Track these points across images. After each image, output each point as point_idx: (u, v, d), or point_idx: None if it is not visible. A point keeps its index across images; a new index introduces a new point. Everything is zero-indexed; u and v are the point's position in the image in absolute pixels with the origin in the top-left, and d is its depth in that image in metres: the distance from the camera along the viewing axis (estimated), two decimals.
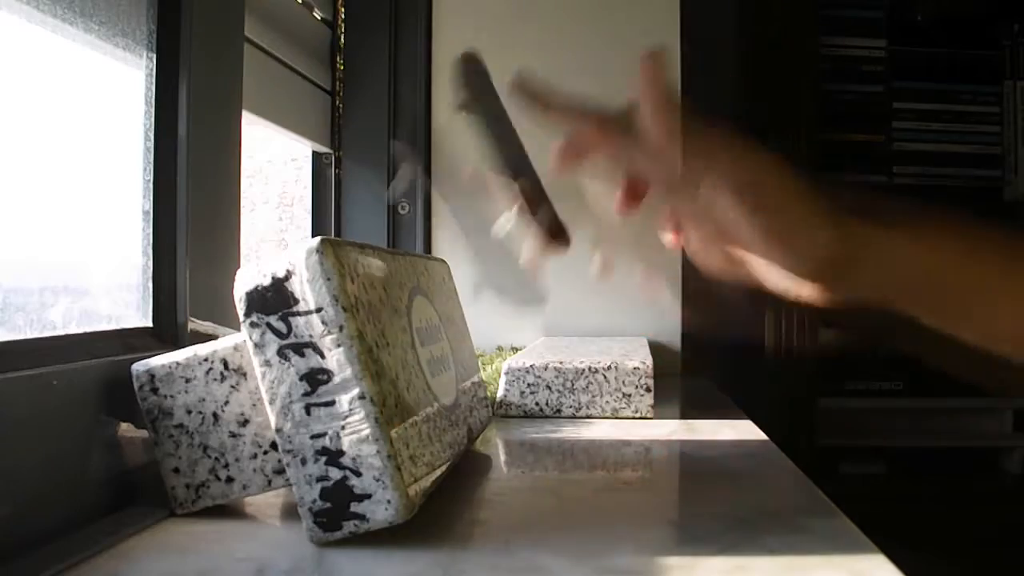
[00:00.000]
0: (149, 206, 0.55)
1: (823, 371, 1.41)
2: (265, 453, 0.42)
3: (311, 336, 0.38)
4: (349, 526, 0.38)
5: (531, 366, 0.76)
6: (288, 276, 0.38)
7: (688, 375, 1.11)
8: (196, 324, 0.55)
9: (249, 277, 0.39)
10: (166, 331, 0.55)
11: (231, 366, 0.43)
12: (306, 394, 0.38)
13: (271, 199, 1.09)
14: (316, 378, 0.38)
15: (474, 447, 0.60)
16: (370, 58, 1.09)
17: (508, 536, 0.42)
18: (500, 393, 0.76)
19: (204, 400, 0.43)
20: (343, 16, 1.09)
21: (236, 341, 0.42)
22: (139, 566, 0.38)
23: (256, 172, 1.09)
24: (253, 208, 1.08)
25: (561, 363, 0.76)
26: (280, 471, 0.42)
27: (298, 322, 0.38)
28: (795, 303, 0.49)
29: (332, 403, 0.38)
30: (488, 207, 0.48)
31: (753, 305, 1.39)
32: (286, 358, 0.38)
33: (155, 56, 0.56)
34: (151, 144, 0.55)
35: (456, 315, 0.61)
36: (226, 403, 0.43)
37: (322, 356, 0.38)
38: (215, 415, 0.43)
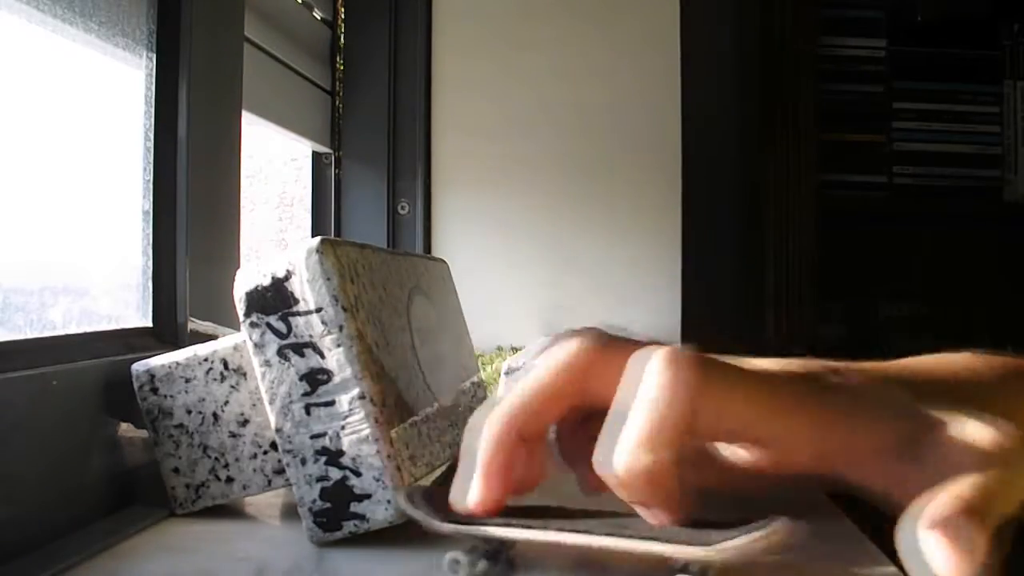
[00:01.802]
0: (149, 206, 0.55)
1: None
2: (265, 453, 0.42)
3: (311, 336, 0.38)
4: (349, 526, 0.38)
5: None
6: (288, 276, 0.38)
7: None
8: (196, 324, 0.55)
9: (249, 277, 0.39)
10: (166, 331, 0.55)
11: (231, 366, 0.42)
12: (306, 394, 0.38)
13: (271, 199, 1.09)
14: (316, 378, 0.38)
15: None
16: (370, 58, 1.09)
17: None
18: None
19: (204, 400, 0.43)
20: (343, 16, 1.09)
21: (236, 341, 0.42)
22: (139, 566, 0.37)
23: (256, 172, 1.09)
24: (253, 208, 1.08)
25: None
26: (280, 471, 0.42)
27: (298, 322, 0.38)
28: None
29: (332, 403, 0.38)
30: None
31: (753, 304, 1.39)
32: (286, 358, 0.38)
33: (155, 56, 0.56)
34: (151, 144, 0.55)
35: (456, 315, 0.61)
36: (226, 403, 0.43)
37: (322, 356, 0.38)
38: (215, 415, 0.43)
